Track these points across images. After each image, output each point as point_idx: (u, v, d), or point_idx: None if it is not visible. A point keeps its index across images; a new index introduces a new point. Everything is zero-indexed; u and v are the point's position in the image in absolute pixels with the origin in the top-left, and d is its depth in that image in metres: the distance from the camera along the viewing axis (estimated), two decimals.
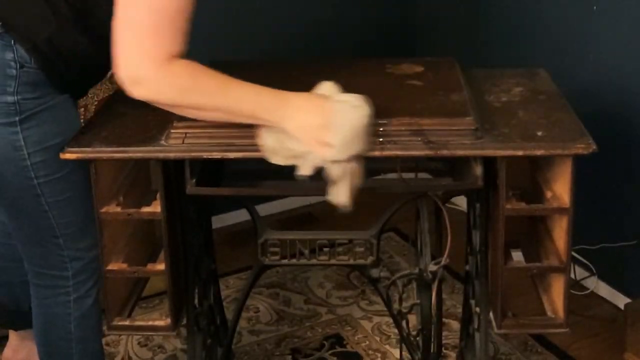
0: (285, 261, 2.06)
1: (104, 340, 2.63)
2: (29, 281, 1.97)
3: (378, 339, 2.66)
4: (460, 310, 2.41)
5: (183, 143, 1.72)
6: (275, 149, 1.63)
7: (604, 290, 2.84)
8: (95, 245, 1.90)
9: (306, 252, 2.04)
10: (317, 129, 1.60)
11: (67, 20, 1.71)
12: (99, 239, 1.81)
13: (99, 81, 1.97)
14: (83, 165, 1.78)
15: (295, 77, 1.99)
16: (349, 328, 2.72)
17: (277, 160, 1.66)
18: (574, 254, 2.75)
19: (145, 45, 1.55)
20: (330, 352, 2.61)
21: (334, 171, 1.62)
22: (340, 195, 1.67)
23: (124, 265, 1.85)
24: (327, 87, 1.69)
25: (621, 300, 2.72)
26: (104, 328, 1.92)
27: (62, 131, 1.79)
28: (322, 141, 1.60)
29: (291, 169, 1.96)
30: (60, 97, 1.79)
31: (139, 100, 1.85)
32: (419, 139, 1.68)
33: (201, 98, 1.61)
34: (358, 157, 1.62)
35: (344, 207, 1.68)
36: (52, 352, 2.01)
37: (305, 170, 1.64)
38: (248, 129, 1.71)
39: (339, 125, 1.59)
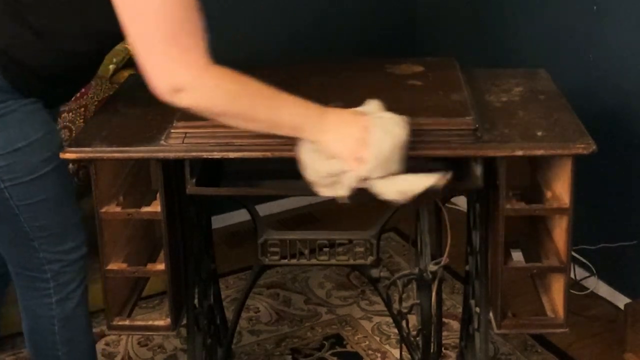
0: (285, 261, 2.06)
1: (103, 340, 2.64)
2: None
3: (378, 339, 2.66)
4: (460, 310, 2.41)
5: (183, 143, 1.72)
6: (318, 180, 1.59)
7: (604, 290, 2.84)
8: (79, 248, 1.90)
9: (306, 252, 2.04)
10: (355, 142, 1.56)
11: (30, 33, 1.68)
12: (99, 239, 1.81)
13: (72, 95, 1.94)
14: (58, 169, 1.76)
15: (295, 77, 1.99)
16: (349, 328, 2.72)
17: (323, 191, 1.60)
18: (574, 254, 2.75)
19: (172, 54, 1.49)
20: (330, 352, 2.61)
21: (372, 189, 1.57)
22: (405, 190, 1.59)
23: (124, 265, 1.85)
24: (371, 105, 1.64)
25: (621, 300, 2.72)
26: (104, 328, 1.92)
27: (26, 135, 1.74)
28: (358, 156, 1.55)
29: (291, 169, 1.97)
30: (26, 101, 1.75)
31: (139, 100, 1.85)
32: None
33: (251, 103, 1.56)
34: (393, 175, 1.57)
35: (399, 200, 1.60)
36: (39, 354, 2.00)
37: (342, 191, 1.59)
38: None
39: (377, 141, 1.55)
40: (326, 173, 1.57)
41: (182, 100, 1.52)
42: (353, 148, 1.56)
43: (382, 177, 1.56)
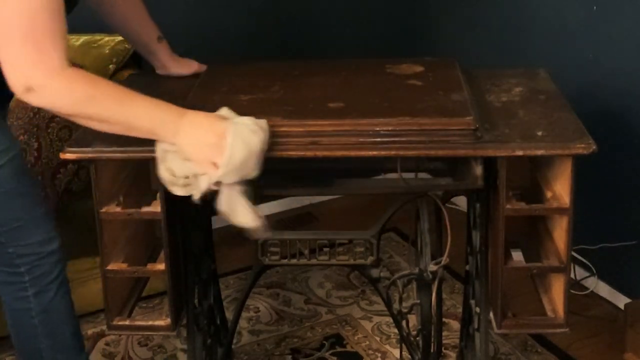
0: (285, 261, 2.06)
1: (103, 340, 2.64)
2: None
3: (378, 339, 2.66)
4: (460, 310, 2.41)
5: None
6: (171, 179, 1.62)
7: (604, 290, 2.84)
8: (51, 240, 1.91)
9: (306, 252, 2.04)
10: (209, 147, 1.58)
11: None
12: (99, 239, 1.81)
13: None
14: (11, 163, 1.77)
15: (295, 77, 2.00)
16: (349, 328, 2.72)
17: (176, 190, 1.63)
18: (574, 254, 2.75)
19: (28, 54, 1.51)
20: (330, 352, 2.61)
21: (221, 194, 1.61)
22: (242, 218, 1.66)
23: (124, 265, 1.85)
24: (225, 111, 1.67)
25: (621, 300, 2.72)
26: (104, 328, 1.92)
27: None
28: (212, 161, 1.58)
29: (291, 168, 1.97)
30: None
31: None
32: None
33: (104, 106, 1.58)
34: (245, 182, 1.60)
35: (252, 228, 1.66)
36: (23, 349, 2.02)
37: (195, 193, 1.61)
38: None
39: (231, 148, 1.57)
40: (181, 174, 1.60)
41: (33, 99, 1.55)
42: (207, 153, 1.58)
43: (231, 188, 1.59)
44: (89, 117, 1.59)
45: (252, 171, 1.60)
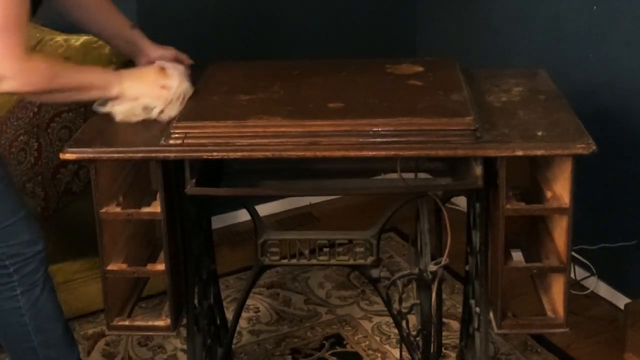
0: (285, 261, 2.06)
1: (103, 340, 2.64)
2: None
3: (378, 339, 2.66)
4: (460, 310, 2.41)
5: (183, 143, 1.72)
6: (124, 110, 1.84)
7: (604, 290, 2.84)
8: (35, 242, 1.97)
9: (306, 252, 2.04)
10: (153, 76, 1.87)
11: None
12: (99, 239, 1.81)
13: None
14: None
15: (296, 77, 2.00)
16: (349, 328, 2.72)
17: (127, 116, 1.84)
18: (574, 254, 2.75)
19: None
20: (330, 352, 2.61)
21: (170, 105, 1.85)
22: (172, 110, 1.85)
23: (124, 266, 1.85)
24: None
25: (621, 300, 2.72)
26: (104, 328, 1.93)
27: None
28: (160, 84, 1.84)
29: (291, 168, 1.97)
30: None
31: None
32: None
33: (64, 78, 1.78)
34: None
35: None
36: (14, 349, 2.03)
37: (154, 113, 1.83)
38: (247, 129, 1.72)
39: (172, 67, 1.92)
40: (139, 110, 1.83)
41: (5, 87, 1.70)
42: (155, 80, 1.85)
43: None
44: (57, 89, 1.78)
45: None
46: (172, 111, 1.83)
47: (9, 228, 1.93)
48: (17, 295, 1.97)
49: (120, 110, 1.84)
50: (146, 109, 1.83)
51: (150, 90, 1.83)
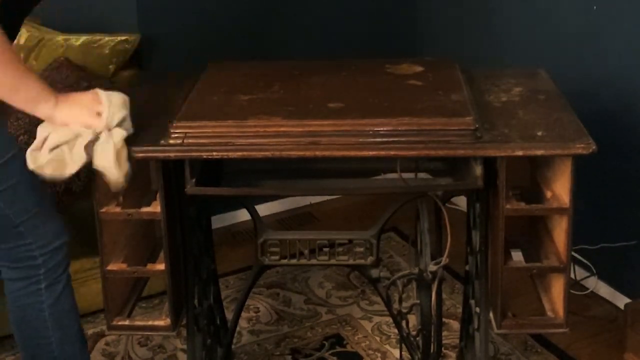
0: (285, 261, 2.06)
1: (103, 340, 2.64)
2: None
3: (378, 339, 2.66)
4: (460, 310, 2.41)
5: (183, 143, 1.72)
6: (53, 140, 1.69)
7: (604, 290, 2.84)
8: (62, 232, 1.95)
9: (306, 252, 2.04)
10: (88, 102, 1.73)
11: None
12: (99, 239, 1.81)
13: None
14: (20, 155, 1.78)
15: (296, 77, 2.00)
16: (349, 328, 2.72)
17: (49, 163, 1.69)
18: (574, 254, 2.75)
19: None
20: (330, 352, 2.61)
21: (103, 143, 1.71)
22: (112, 170, 1.71)
23: (124, 266, 1.86)
24: None
25: (621, 300, 2.72)
26: (104, 328, 1.93)
27: None
28: (95, 111, 1.71)
29: (291, 168, 1.97)
30: None
31: (138, 100, 1.86)
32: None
33: (10, 68, 1.69)
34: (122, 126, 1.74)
35: (118, 181, 1.72)
36: (30, 345, 2.02)
37: (79, 150, 1.69)
38: (247, 129, 1.72)
39: (106, 94, 1.74)
40: (62, 140, 1.69)
41: None
42: (89, 106, 1.72)
43: (110, 135, 1.71)
44: None
45: (129, 122, 1.75)
46: (104, 156, 1.70)
47: (39, 215, 1.92)
48: (41, 289, 1.97)
49: (45, 160, 1.69)
50: (71, 143, 1.69)
51: (81, 116, 1.72)
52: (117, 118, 1.72)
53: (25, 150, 1.72)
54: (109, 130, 1.71)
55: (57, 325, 2.00)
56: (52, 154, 1.69)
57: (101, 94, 1.74)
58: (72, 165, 1.69)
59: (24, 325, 2.01)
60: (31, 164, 1.69)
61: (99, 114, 1.71)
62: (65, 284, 2.00)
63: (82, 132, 1.70)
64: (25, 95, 1.71)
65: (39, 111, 1.72)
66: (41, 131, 1.71)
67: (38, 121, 1.75)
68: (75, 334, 2.06)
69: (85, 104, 1.73)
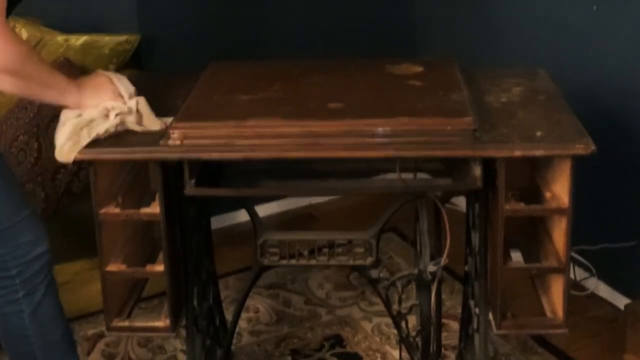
0: (284, 262, 2.05)
1: (103, 341, 2.64)
2: None
3: (378, 339, 2.66)
4: (459, 310, 2.41)
5: (182, 144, 1.72)
6: (75, 131, 1.76)
7: (604, 290, 2.84)
8: (43, 240, 1.95)
9: (305, 252, 2.04)
10: (106, 82, 1.84)
11: None
12: (98, 240, 1.81)
13: None
14: None
15: (296, 77, 2.00)
16: (349, 329, 2.72)
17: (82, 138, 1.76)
18: (573, 254, 2.74)
19: None
20: (330, 352, 2.60)
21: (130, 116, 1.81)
22: (151, 124, 1.81)
23: (123, 267, 1.85)
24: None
25: (621, 301, 2.71)
26: (104, 329, 1.92)
27: None
28: (116, 92, 1.82)
29: (291, 169, 1.96)
30: None
31: None
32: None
33: (36, 68, 1.77)
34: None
35: (159, 131, 1.79)
36: (15, 352, 2.02)
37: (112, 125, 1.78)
38: (247, 129, 1.72)
39: (112, 75, 1.88)
40: (97, 115, 1.78)
41: None
42: (110, 89, 1.83)
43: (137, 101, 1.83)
44: (24, 75, 1.74)
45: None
46: (146, 119, 1.81)
47: (11, 229, 1.92)
48: (19, 298, 1.95)
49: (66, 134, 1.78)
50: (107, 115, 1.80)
51: (108, 96, 1.82)
52: (132, 90, 1.84)
53: (22, 151, 1.74)
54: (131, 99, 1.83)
55: (39, 333, 1.99)
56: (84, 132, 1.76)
57: (107, 73, 1.88)
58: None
59: (7, 333, 2.01)
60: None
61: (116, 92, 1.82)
62: (44, 292, 1.98)
63: (114, 106, 1.80)
64: (57, 89, 1.80)
65: (68, 101, 1.81)
66: (67, 114, 1.80)
67: (38, 122, 1.75)
68: (60, 340, 2.05)
69: (104, 84, 1.84)
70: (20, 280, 1.94)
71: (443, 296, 2.37)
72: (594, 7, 2.70)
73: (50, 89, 1.80)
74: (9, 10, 1.76)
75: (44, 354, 2.01)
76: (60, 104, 1.82)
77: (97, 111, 1.79)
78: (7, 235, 1.91)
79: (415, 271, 2.13)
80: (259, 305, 2.85)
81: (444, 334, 2.47)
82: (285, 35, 3.30)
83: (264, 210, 3.24)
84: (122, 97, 1.83)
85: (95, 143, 1.74)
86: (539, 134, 1.73)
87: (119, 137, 1.78)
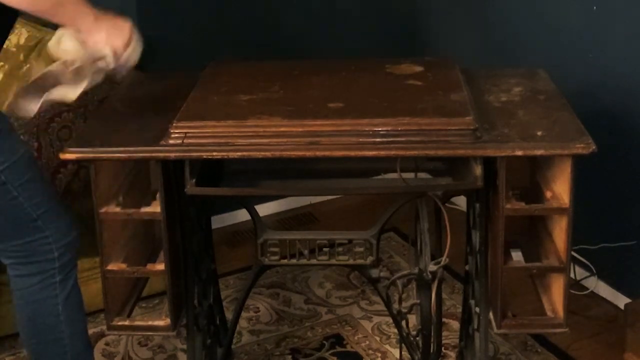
0: (285, 261, 2.06)
1: (103, 340, 2.64)
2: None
3: (378, 338, 2.66)
4: (460, 310, 2.41)
5: (183, 143, 1.72)
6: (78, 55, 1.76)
7: (604, 290, 2.84)
8: (74, 226, 1.98)
9: (306, 252, 2.04)
10: (127, 29, 1.78)
11: None
12: (99, 239, 1.81)
13: None
14: (30, 152, 1.82)
15: (296, 77, 2.00)
16: (349, 328, 2.72)
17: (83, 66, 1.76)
18: (573, 253, 2.74)
19: None
20: (330, 352, 2.61)
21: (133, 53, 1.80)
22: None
23: (124, 266, 1.86)
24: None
25: (621, 300, 2.72)
26: (104, 328, 1.93)
27: (2, 118, 1.85)
28: (125, 40, 1.77)
29: (291, 168, 1.97)
30: None
31: (138, 100, 1.86)
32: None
33: None
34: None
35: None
36: (41, 341, 2.02)
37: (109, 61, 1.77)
38: (247, 129, 1.72)
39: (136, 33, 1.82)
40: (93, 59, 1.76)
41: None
42: (125, 34, 1.77)
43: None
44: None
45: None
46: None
47: (52, 208, 1.94)
48: (55, 282, 1.97)
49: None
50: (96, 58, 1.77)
51: (116, 41, 1.77)
52: (133, 59, 1.80)
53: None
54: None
55: (70, 320, 2.01)
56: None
57: (133, 28, 1.82)
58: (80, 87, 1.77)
59: (38, 319, 2.01)
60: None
61: (126, 45, 1.77)
62: (75, 280, 2.01)
63: (106, 55, 1.76)
64: (71, 8, 1.74)
65: (81, 23, 1.75)
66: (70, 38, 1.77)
67: (38, 122, 1.75)
68: (84, 330, 2.07)
69: (124, 28, 1.78)
70: (59, 264, 1.96)
71: (443, 295, 2.38)
72: (594, 7, 2.70)
73: (63, 8, 1.74)
74: None
75: (72, 343, 2.03)
76: (72, 25, 1.76)
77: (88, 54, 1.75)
78: (52, 215, 1.93)
79: (416, 270, 2.13)
80: (259, 304, 2.85)
81: (444, 333, 2.47)
82: (285, 36, 3.30)
83: (264, 209, 3.24)
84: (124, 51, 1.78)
85: (95, 142, 1.74)
86: (539, 133, 1.73)
87: (120, 136, 1.78)
